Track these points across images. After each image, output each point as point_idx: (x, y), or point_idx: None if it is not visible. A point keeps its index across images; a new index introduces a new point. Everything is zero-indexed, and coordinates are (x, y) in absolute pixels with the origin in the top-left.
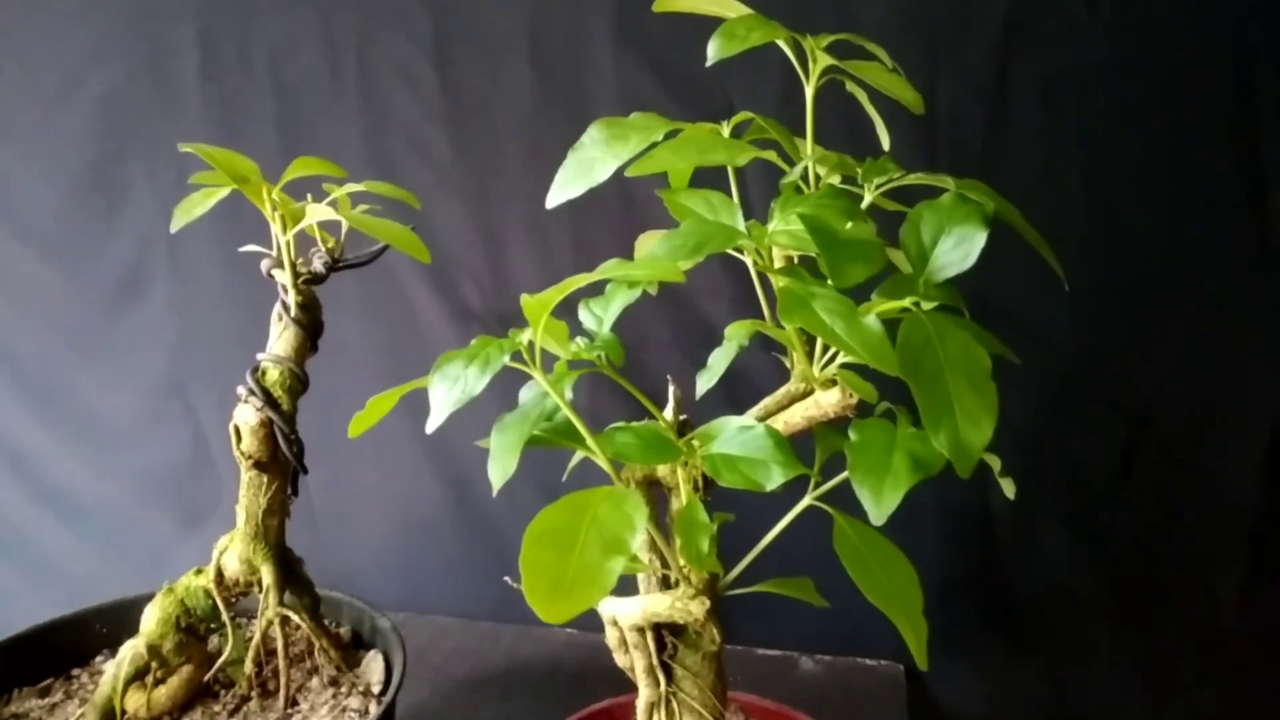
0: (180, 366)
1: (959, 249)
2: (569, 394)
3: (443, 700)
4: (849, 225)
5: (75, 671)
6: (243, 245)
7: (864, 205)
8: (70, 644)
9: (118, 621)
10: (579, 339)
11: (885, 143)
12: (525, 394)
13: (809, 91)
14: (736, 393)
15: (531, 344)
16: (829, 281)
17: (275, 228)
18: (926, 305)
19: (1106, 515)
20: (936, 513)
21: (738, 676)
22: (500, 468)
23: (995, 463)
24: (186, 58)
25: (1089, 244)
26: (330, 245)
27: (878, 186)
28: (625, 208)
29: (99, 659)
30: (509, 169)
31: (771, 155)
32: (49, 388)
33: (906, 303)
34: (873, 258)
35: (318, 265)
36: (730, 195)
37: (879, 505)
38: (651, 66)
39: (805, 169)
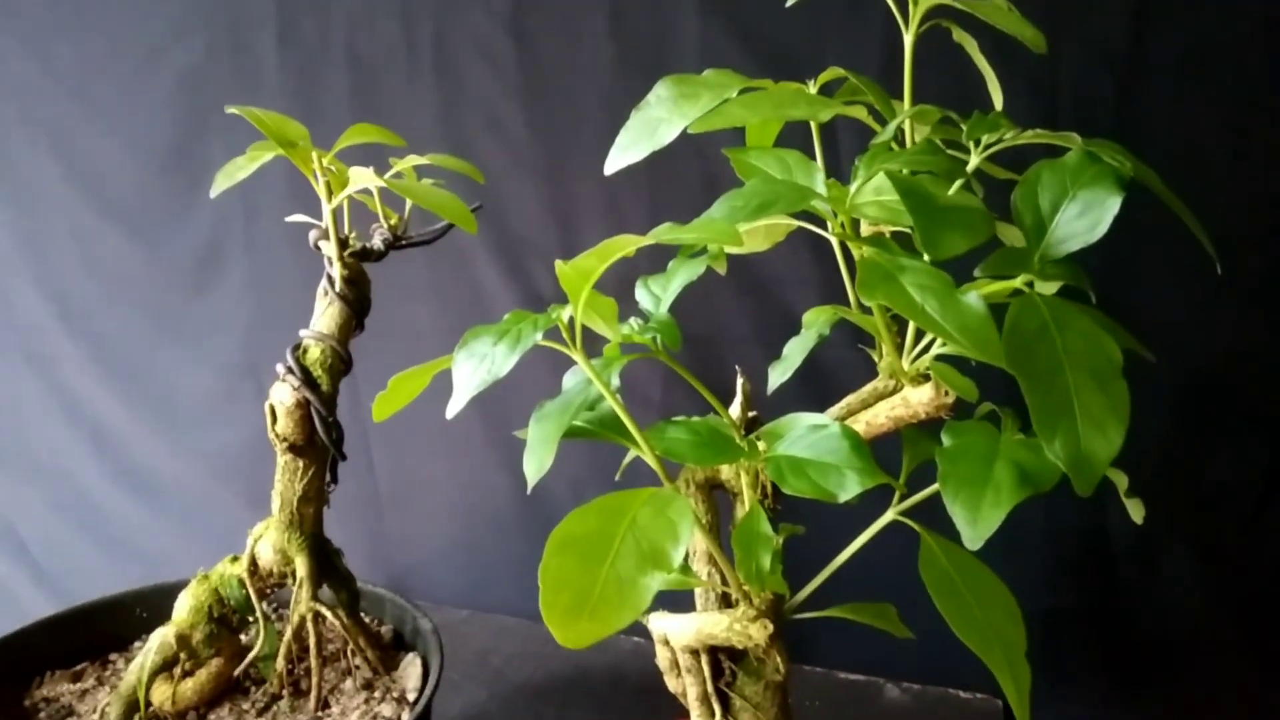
0: (254, 347)
1: (1085, 217)
2: (615, 381)
3: (500, 705)
4: (950, 191)
5: (112, 656)
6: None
7: (970, 168)
8: (108, 627)
9: (158, 606)
10: (633, 320)
11: (998, 100)
12: (569, 380)
13: (908, 39)
14: (819, 392)
15: (572, 321)
16: (924, 256)
17: (321, 195)
18: (1042, 286)
19: (1241, 544)
20: (1044, 535)
21: (814, 701)
22: (536, 461)
23: (1121, 480)
24: (265, 30)
25: (1232, 233)
26: (393, 222)
27: (986, 146)
28: (707, 189)
29: (137, 644)
30: (585, 147)
31: (860, 112)
32: (130, 365)
33: (1018, 283)
34: (976, 226)
35: (377, 242)
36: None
37: (976, 525)
38: (739, 36)
39: (900, 127)
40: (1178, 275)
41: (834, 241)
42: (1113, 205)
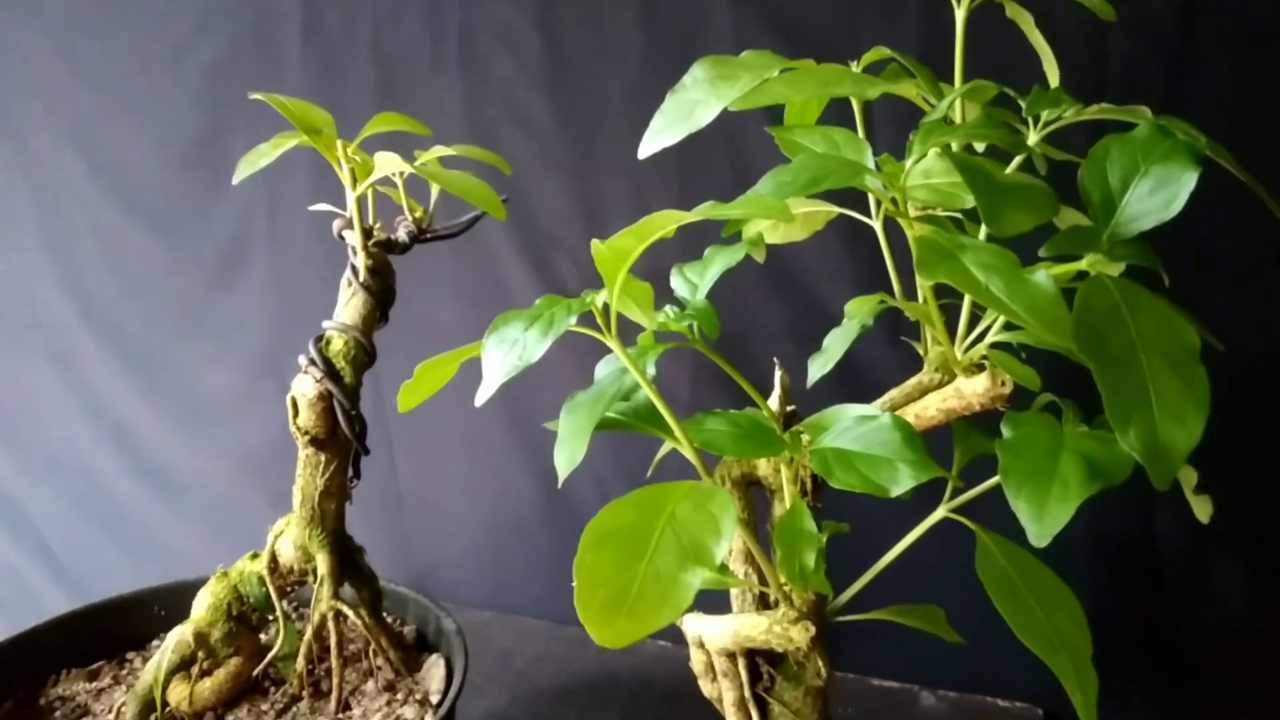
0: (277, 343)
1: (1159, 194)
2: (651, 370)
3: (522, 709)
4: (1010, 169)
5: (129, 655)
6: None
7: (1030, 144)
8: (125, 626)
9: (176, 604)
10: (669, 308)
11: (1054, 78)
12: (601, 369)
13: (960, 14)
14: (856, 389)
15: (606, 307)
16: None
17: (346, 183)
18: (1108, 269)
19: None
20: (1088, 538)
21: (848, 709)
22: (568, 453)
23: (1190, 477)
24: (290, 24)
25: None
26: (418, 215)
27: (1046, 124)
28: (738, 183)
29: (155, 643)
30: (613, 140)
31: (909, 90)
32: (153, 362)
33: (1085, 264)
34: (1040, 204)
35: (402, 234)
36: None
37: (1042, 521)
38: (773, 25)
39: (952, 105)
40: (1232, 266)
41: (878, 228)
42: (1189, 181)
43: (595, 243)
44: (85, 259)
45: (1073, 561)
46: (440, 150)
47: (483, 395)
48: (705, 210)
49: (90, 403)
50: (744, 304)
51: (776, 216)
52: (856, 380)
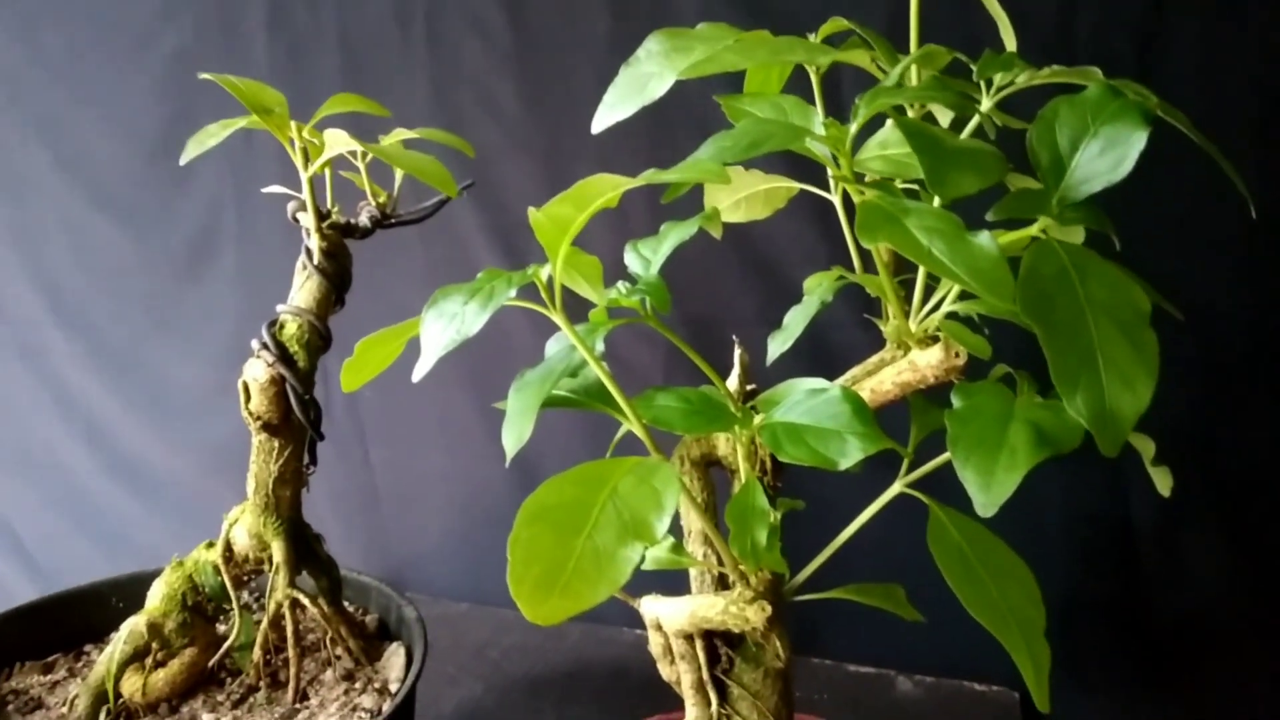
0: (247, 336)
1: (1108, 155)
2: (600, 347)
3: (496, 699)
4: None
5: (87, 647)
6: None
7: (983, 110)
8: (83, 617)
9: (135, 595)
10: (621, 284)
11: (1010, 45)
12: (551, 346)
13: None
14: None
15: (551, 280)
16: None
17: (298, 164)
18: (1062, 234)
19: (1271, 531)
20: (1064, 520)
21: (823, 695)
22: (515, 431)
23: (1148, 448)
24: (255, 10)
25: (1261, 203)
26: (382, 199)
27: (999, 89)
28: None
29: (113, 635)
30: (583, 123)
31: (863, 59)
32: (123, 357)
33: (1035, 230)
34: (988, 167)
35: (364, 219)
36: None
37: (989, 491)
38: (743, 6)
39: (907, 73)
40: (1200, 245)
41: (836, 202)
42: (1138, 141)
43: (532, 211)
44: (53, 253)
45: (1048, 545)
46: (402, 133)
47: (420, 370)
48: (647, 177)
49: (61, 398)
50: (717, 289)
51: (714, 179)
52: (830, 364)
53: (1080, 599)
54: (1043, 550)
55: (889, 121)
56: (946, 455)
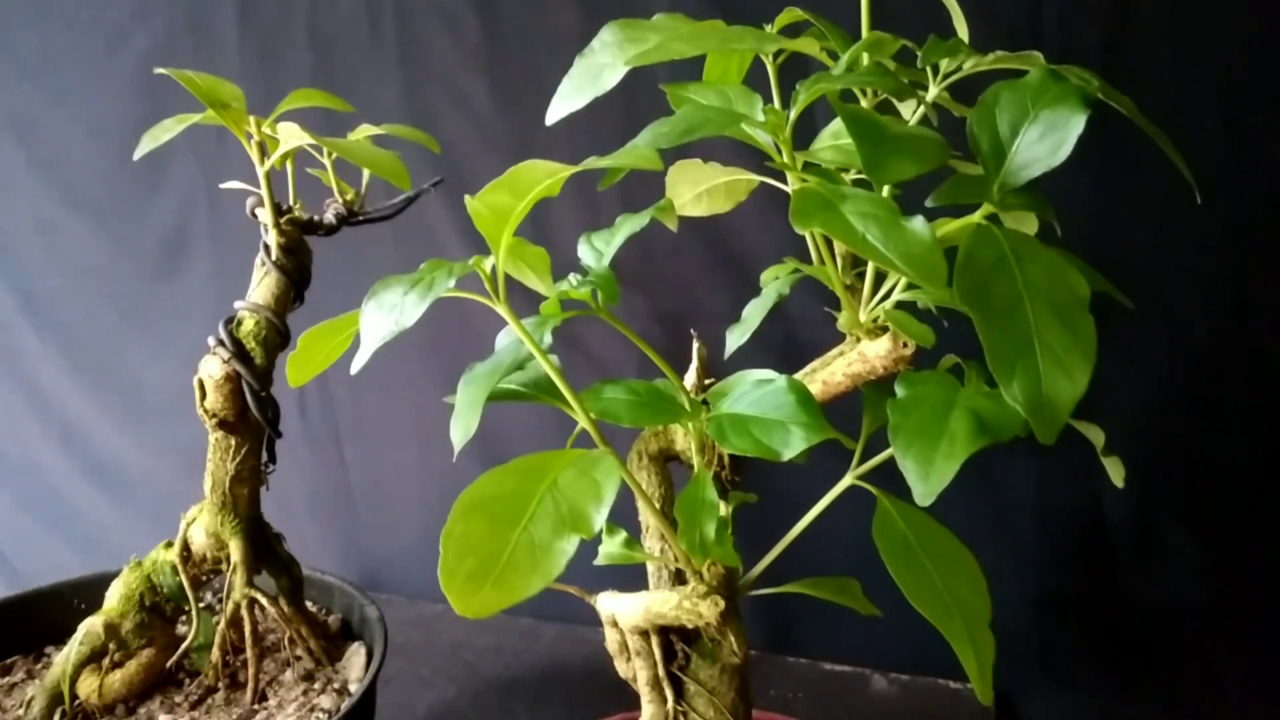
0: None
1: (1047, 140)
2: (548, 340)
3: (469, 701)
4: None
5: (47, 649)
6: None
7: (929, 98)
8: (44, 619)
9: (96, 596)
10: (571, 276)
11: (961, 31)
12: (501, 340)
13: None
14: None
15: (494, 270)
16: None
17: (254, 158)
18: (1022, 223)
19: (1242, 523)
20: (1036, 515)
21: (798, 693)
22: (462, 426)
23: (1098, 437)
24: (226, 9)
25: (1228, 189)
26: (349, 197)
27: (946, 76)
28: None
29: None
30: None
31: (812, 47)
32: (97, 358)
33: (977, 218)
34: (927, 153)
35: (330, 216)
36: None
37: (928, 479)
38: (713, 3)
39: (856, 60)
40: (1164, 234)
41: (791, 191)
42: (1076, 125)
43: (469, 199)
44: (25, 253)
45: (1021, 540)
46: (368, 129)
47: (359, 362)
48: (586, 164)
49: (35, 400)
50: (689, 285)
51: (647, 165)
52: (799, 360)
53: (1053, 594)
54: (1015, 546)
55: None
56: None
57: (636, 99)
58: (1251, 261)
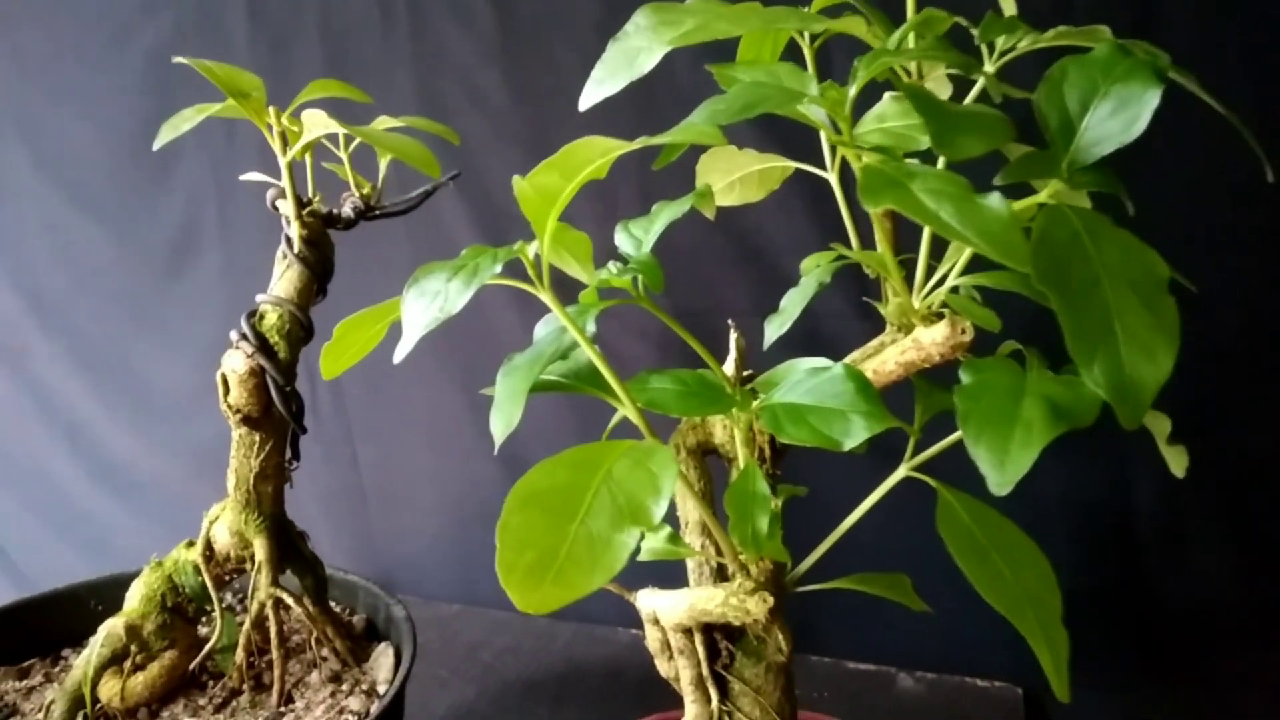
0: None
1: (1120, 115)
2: (591, 328)
3: (490, 702)
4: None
5: (65, 652)
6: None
7: (988, 71)
8: (60, 621)
9: (114, 598)
10: (612, 264)
11: (1010, 8)
12: (540, 329)
13: None
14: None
15: (538, 258)
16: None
17: (276, 149)
18: (1071, 199)
19: (1273, 521)
20: (1062, 508)
21: (824, 693)
22: (503, 418)
23: (1163, 425)
24: (235, 3)
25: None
26: (365, 190)
27: (1002, 53)
28: (697, 152)
29: (92, 639)
30: (570, 112)
31: (859, 27)
32: (106, 359)
33: (1044, 196)
34: (994, 130)
35: (348, 210)
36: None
37: (1003, 468)
38: None
39: (905, 38)
40: (1197, 222)
41: (833, 180)
42: (1150, 100)
43: (517, 180)
44: (32, 253)
45: (1048, 534)
46: (387, 120)
47: (402, 351)
48: (641, 141)
49: (42, 402)
50: (709, 282)
51: (709, 141)
52: (825, 353)
53: (1081, 590)
54: (1044, 542)
55: (886, 95)
56: (952, 438)
57: (652, 88)
58: None
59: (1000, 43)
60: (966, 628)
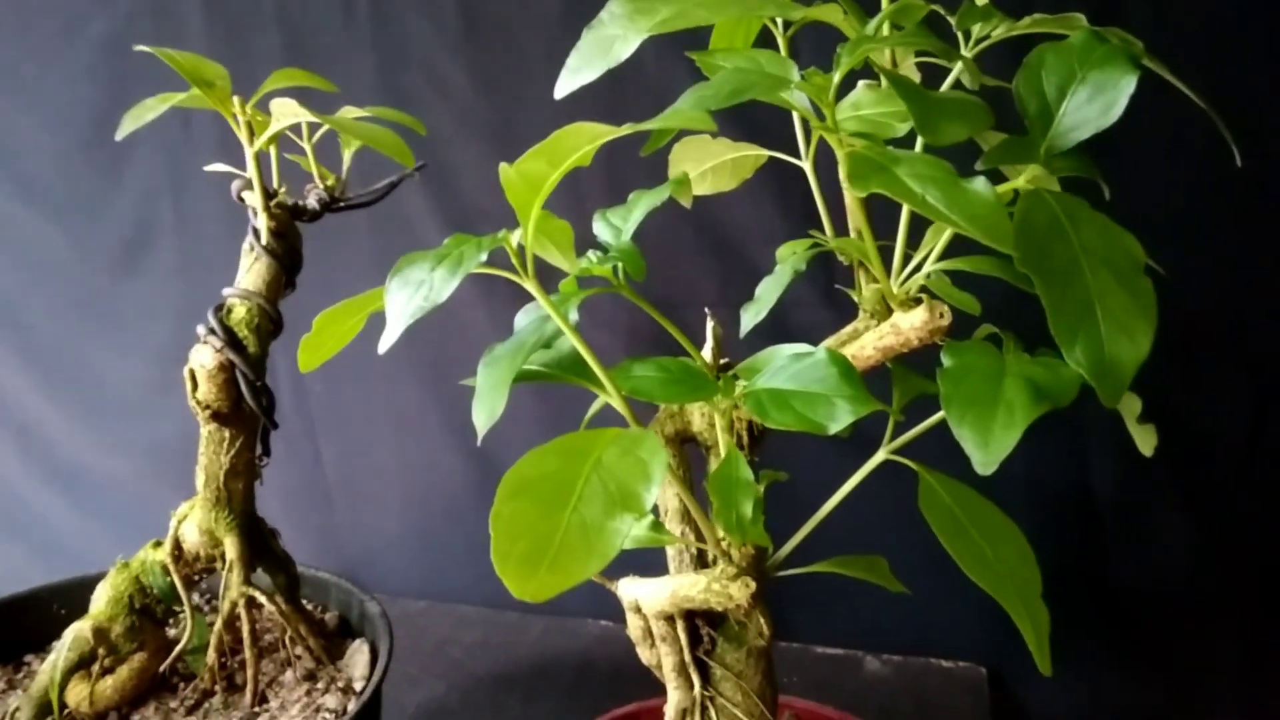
0: (187, 332)
1: (1097, 100)
2: (574, 317)
3: (460, 698)
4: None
5: (27, 658)
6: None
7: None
8: (22, 626)
9: (77, 601)
10: (591, 252)
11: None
12: (521, 319)
13: None
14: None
15: (521, 247)
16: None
17: (243, 139)
18: (1048, 184)
19: (1231, 499)
20: (1025, 492)
21: (793, 678)
22: (487, 408)
23: (1134, 405)
24: None
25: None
26: (330, 182)
27: (978, 41)
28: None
29: (55, 644)
30: (536, 104)
31: (835, 15)
32: (56, 357)
33: (1021, 181)
34: (975, 116)
35: (312, 202)
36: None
37: (987, 449)
38: None
39: (881, 26)
40: (1155, 210)
41: (808, 168)
42: (1126, 86)
43: (504, 167)
44: None
45: (1012, 516)
46: (353, 110)
47: (386, 341)
48: (628, 127)
49: None
50: (678, 272)
51: (697, 125)
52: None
53: (1045, 571)
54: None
55: (860, 84)
56: (933, 419)
57: (622, 81)
58: (1242, 235)
59: (976, 30)
60: (931, 610)
